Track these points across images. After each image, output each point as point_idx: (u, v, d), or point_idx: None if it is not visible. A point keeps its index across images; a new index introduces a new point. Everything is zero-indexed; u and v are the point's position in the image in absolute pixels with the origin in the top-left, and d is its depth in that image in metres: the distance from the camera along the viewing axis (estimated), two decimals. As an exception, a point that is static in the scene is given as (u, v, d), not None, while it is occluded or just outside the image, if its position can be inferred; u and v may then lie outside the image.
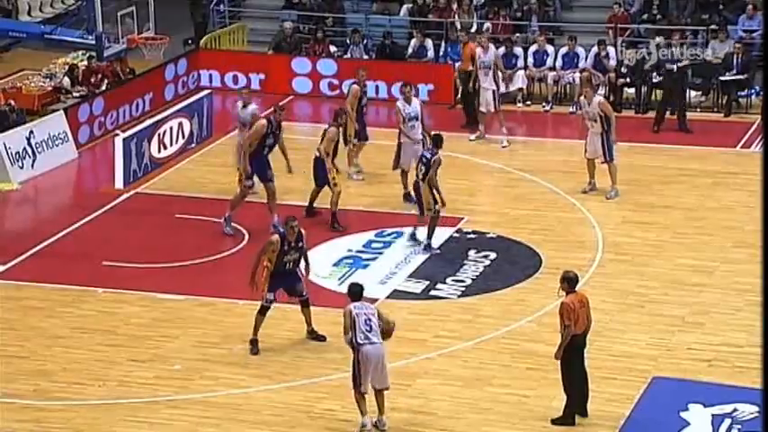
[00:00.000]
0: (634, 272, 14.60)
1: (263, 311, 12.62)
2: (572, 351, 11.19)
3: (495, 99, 18.40)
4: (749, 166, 17.43)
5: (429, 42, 21.24)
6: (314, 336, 12.87)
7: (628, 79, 20.47)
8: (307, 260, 12.75)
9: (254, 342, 12.69)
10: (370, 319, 11.06)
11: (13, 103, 18.65)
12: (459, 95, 19.81)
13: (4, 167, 17.19)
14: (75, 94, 20.21)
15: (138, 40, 17.83)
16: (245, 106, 16.22)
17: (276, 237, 12.53)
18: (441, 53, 21.35)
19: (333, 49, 21.88)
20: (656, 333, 13.14)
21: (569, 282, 11.29)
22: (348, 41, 21.82)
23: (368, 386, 11.15)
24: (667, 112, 19.28)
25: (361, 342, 11.01)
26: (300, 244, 12.56)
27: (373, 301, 13.87)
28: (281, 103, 17.82)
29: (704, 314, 13.45)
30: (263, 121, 15.24)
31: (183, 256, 14.85)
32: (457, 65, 20.16)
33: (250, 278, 12.53)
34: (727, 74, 19.89)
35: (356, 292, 11.39)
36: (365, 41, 21.79)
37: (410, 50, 21.32)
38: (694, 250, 15.02)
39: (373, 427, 11.24)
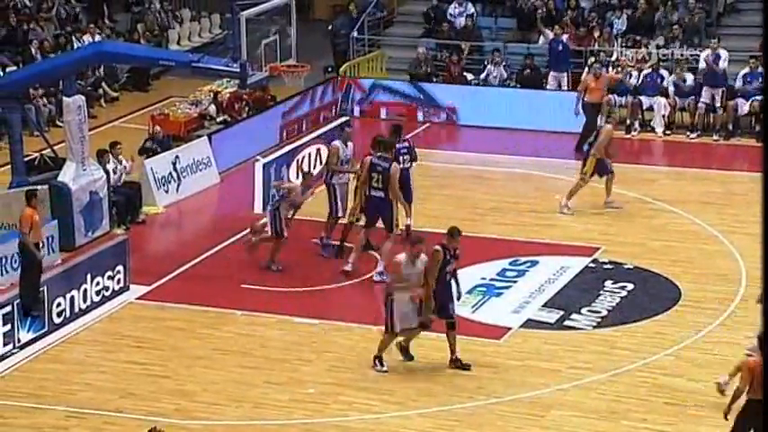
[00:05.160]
0: (779, 307, 14.10)
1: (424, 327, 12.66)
2: (744, 417, 10.26)
3: None
4: None
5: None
6: (458, 365, 12.74)
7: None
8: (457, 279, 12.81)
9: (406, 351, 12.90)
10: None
11: (159, 129, 19.28)
12: (586, 126, 19.06)
13: (151, 191, 17.77)
14: (218, 120, 20.79)
15: (281, 68, 18.19)
16: None
17: (438, 247, 12.54)
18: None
19: (470, 77, 21.92)
20: (801, 371, 12.65)
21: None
22: (486, 63, 21.82)
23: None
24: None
25: None
26: (458, 251, 12.63)
27: (506, 329, 13.82)
28: None
29: None
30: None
31: (318, 280, 15.06)
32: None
33: (426, 298, 12.47)
34: None
35: None
36: (504, 64, 21.74)
37: (551, 80, 21.20)
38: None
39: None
